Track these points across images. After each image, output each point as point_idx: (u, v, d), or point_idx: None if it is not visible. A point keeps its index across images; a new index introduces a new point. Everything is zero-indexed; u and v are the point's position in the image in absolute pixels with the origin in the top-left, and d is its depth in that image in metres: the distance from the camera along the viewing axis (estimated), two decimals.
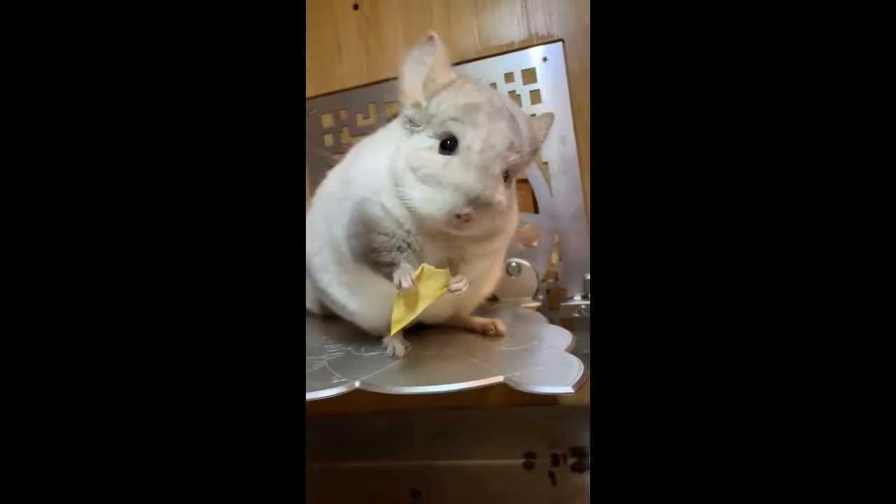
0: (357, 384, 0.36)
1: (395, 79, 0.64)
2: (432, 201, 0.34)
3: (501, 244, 0.40)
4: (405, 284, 0.35)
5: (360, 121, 0.66)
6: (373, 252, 0.37)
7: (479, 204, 0.33)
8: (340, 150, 0.67)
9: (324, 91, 0.68)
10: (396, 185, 0.36)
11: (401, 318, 0.37)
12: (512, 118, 0.36)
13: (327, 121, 0.67)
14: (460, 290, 0.36)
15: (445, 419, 0.66)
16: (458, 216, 0.33)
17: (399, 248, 0.37)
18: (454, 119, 0.35)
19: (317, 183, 0.62)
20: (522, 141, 0.36)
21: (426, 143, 0.36)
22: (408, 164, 0.36)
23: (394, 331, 0.37)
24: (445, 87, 0.37)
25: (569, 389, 0.32)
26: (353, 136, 0.67)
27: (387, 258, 0.37)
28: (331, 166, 0.67)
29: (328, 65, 0.68)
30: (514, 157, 0.35)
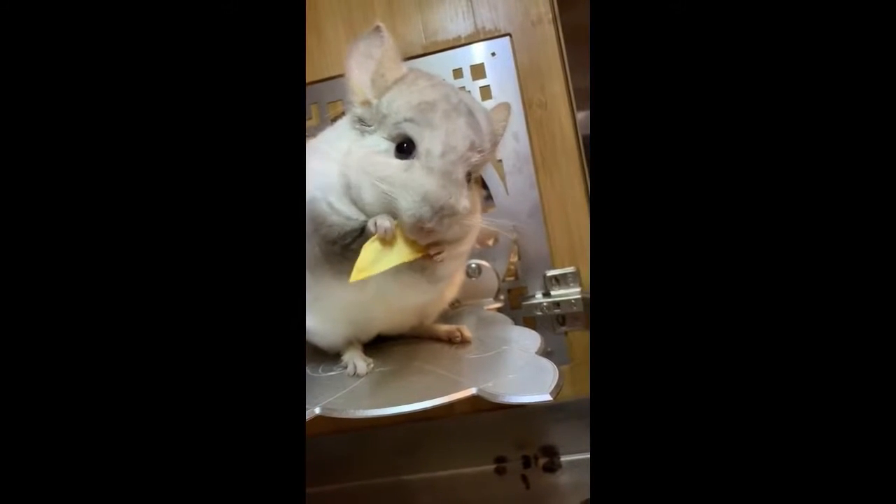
0: (317, 410, 0.33)
1: (337, 77, 0.62)
2: (397, 209, 0.32)
3: (467, 247, 0.38)
4: (382, 223, 0.31)
5: None
6: (333, 244, 0.34)
7: (444, 214, 0.31)
8: None
9: None
10: (349, 187, 0.33)
11: (366, 266, 0.31)
12: (470, 114, 0.34)
13: None
14: (441, 257, 0.33)
15: (409, 432, 0.63)
16: (422, 228, 0.31)
17: (360, 230, 0.33)
18: (409, 120, 0.32)
19: None
20: (483, 138, 0.34)
21: (380, 145, 0.34)
22: (362, 168, 0.33)
23: (353, 279, 0.31)
24: (396, 82, 0.34)
25: (546, 397, 0.31)
26: None
27: (352, 237, 0.34)
28: None
29: None
30: (475, 158, 0.33)
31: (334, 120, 0.62)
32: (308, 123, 0.62)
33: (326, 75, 0.62)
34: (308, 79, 0.63)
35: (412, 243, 0.33)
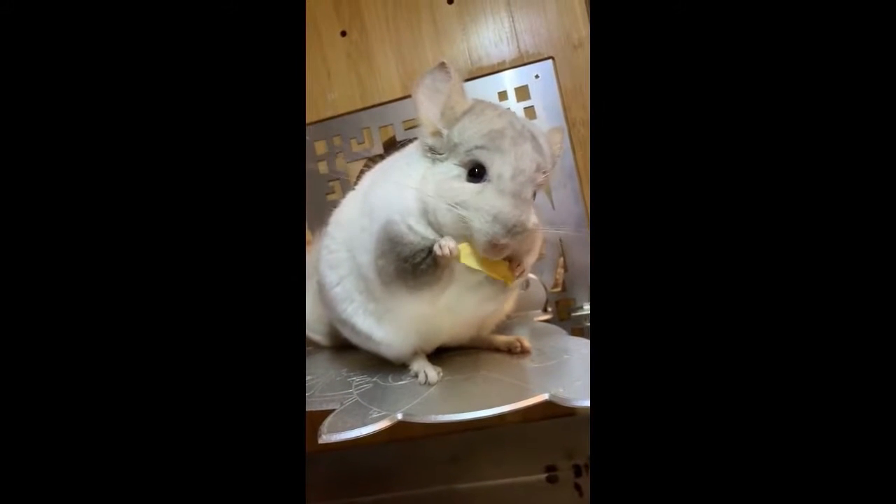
0: (399, 416, 0.35)
1: (388, 102, 0.65)
2: (472, 230, 0.34)
3: (534, 258, 0.41)
4: (447, 244, 0.35)
5: (355, 146, 0.66)
6: (405, 261, 0.37)
7: (516, 231, 0.34)
8: (336, 176, 0.66)
9: (315, 118, 0.67)
10: (426, 212, 0.36)
11: (468, 255, 0.36)
12: (534, 139, 0.36)
13: (320, 147, 0.66)
14: (524, 274, 0.38)
15: (458, 442, 0.65)
16: (496, 245, 0.34)
17: (430, 250, 0.36)
18: (480, 147, 0.35)
19: (314, 209, 0.61)
20: (545, 160, 0.37)
21: (453, 171, 0.36)
22: (438, 193, 0.36)
23: (462, 258, 0.36)
24: (465, 113, 0.37)
25: None
26: (349, 161, 0.66)
27: (421, 257, 0.36)
28: (326, 193, 0.66)
29: (318, 92, 0.67)
30: (540, 178, 0.36)
31: (386, 144, 0.66)
32: (360, 147, 0.66)
33: (377, 101, 0.66)
34: (359, 104, 0.67)
35: (501, 267, 0.36)
